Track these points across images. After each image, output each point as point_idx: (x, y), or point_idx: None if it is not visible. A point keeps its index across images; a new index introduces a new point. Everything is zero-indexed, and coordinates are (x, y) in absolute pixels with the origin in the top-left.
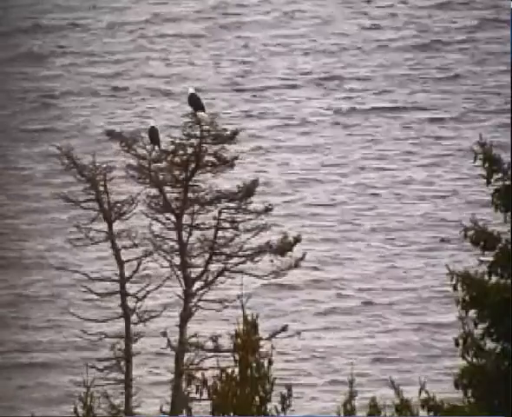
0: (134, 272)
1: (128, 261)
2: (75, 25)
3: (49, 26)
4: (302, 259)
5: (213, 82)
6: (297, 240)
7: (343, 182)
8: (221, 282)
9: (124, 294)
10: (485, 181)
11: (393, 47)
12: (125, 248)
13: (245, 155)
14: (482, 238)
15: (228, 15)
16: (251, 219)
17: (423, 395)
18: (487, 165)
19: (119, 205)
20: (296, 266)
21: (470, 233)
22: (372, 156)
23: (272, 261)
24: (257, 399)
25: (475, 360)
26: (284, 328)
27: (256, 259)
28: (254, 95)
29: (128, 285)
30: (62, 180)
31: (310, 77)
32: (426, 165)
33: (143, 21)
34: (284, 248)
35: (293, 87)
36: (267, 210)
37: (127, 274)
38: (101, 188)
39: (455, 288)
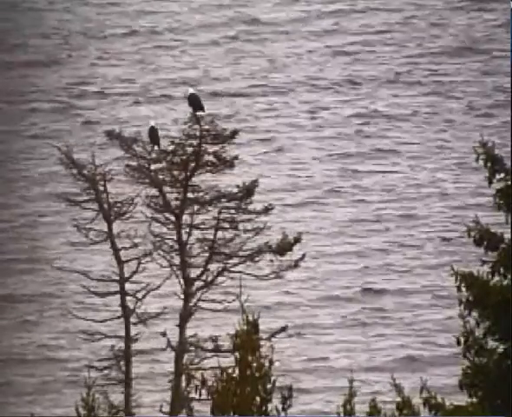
0: (134, 272)
1: (127, 261)
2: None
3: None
4: (302, 259)
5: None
6: (297, 240)
7: None
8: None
9: (124, 294)
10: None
11: None
12: (125, 248)
13: None
14: (485, 238)
15: None
16: (250, 219)
17: (425, 394)
18: (489, 165)
19: (119, 205)
20: (295, 266)
21: (473, 233)
22: None
23: (271, 261)
24: (257, 399)
25: (476, 359)
26: (284, 329)
27: (256, 259)
28: None
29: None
30: None
31: None
32: None
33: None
34: (284, 248)
35: None
36: (267, 210)
37: (126, 274)
38: (101, 188)
39: (458, 289)
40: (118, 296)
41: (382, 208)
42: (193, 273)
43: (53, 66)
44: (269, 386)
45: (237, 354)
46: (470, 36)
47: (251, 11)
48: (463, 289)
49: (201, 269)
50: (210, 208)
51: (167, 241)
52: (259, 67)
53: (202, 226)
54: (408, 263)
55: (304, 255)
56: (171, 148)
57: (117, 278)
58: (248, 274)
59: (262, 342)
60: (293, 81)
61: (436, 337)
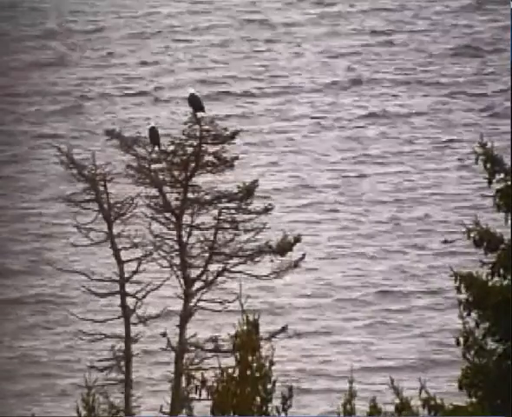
0: (134, 272)
1: (127, 261)
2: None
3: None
4: (302, 259)
5: None
6: (297, 240)
7: None
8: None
9: (124, 294)
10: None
11: None
12: (125, 248)
13: None
14: (485, 239)
15: None
16: (251, 219)
17: (424, 395)
18: (489, 166)
19: (119, 205)
20: (295, 266)
21: (473, 234)
22: None
23: (272, 261)
24: (258, 399)
25: (476, 359)
26: (283, 328)
27: (256, 259)
28: None
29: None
30: None
31: None
32: None
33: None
34: (284, 248)
35: None
36: (267, 210)
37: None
38: (101, 189)
39: (458, 290)
40: (118, 296)
41: (392, 211)
42: (194, 273)
43: (59, 67)
44: (269, 386)
45: (237, 354)
46: (477, 37)
47: (259, 14)
48: (463, 290)
49: (201, 269)
50: (210, 208)
51: (167, 241)
52: (265, 68)
53: (202, 226)
54: (418, 265)
55: (304, 255)
56: (171, 148)
57: (117, 278)
58: (248, 274)
59: (262, 342)
60: (300, 82)
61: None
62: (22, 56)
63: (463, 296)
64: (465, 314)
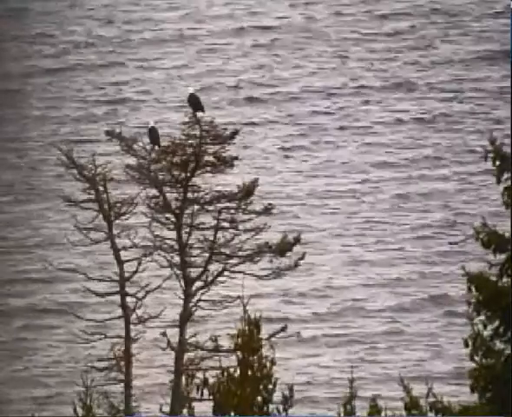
0: (134, 272)
1: (127, 261)
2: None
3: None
4: (302, 259)
5: None
6: (297, 240)
7: None
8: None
9: (124, 294)
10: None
11: None
12: (125, 248)
13: None
14: (493, 240)
15: None
16: (250, 219)
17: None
18: (498, 163)
19: (119, 205)
20: (296, 266)
21: (481, 235)
22: None
23: (271, 261)
24: (259, 399)
25: (484, 360)
26: (283, 329)
27: (256, 259)
28: None
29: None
30: None
31: None
32: None
33: None
34: (284, 248)
35: None
36: (267, 210)
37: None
38: (101, 188)
39: (469, 290)
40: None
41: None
42: (194, 273)
43: (83, 72)
44: (270, 386)
45: (239, 353)
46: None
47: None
48: (473, 290)
49: (201, 269)
50: (211, 209)
51: (167, 241)
52: (271, 73)
53: (202, 226)
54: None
55: (304, 255)
56: (171, 148)
57: (117, 278)
58: (248, 274)
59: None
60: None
61: None
62: (48, 61)
63: (472, 296)
64: (474, 314)
